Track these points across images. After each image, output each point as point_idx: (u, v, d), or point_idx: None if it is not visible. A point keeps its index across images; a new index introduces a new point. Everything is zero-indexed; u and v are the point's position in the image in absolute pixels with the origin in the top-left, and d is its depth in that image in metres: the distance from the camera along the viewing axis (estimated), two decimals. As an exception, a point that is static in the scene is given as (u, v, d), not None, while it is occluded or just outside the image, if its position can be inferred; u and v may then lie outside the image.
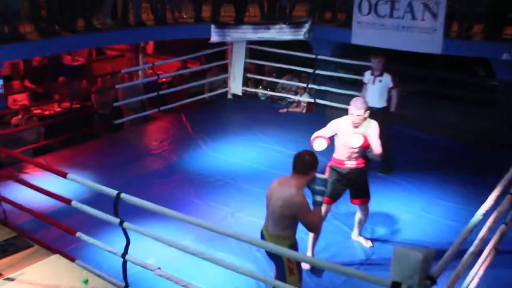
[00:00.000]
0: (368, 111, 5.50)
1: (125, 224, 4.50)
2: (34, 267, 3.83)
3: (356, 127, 5.46)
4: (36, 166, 6.62)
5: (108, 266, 5.03)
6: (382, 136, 7.35)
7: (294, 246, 4.37)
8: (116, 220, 4.53)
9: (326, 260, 4.58)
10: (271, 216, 4.34)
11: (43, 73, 12.55)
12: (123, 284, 4.56)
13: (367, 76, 7.49)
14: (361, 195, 5.80)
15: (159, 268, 4.45)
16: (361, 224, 6.01)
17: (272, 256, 4.38)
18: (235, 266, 4.11)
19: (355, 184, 5.73)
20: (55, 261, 3.95)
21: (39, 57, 12.09)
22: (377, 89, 7.35)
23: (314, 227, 4.50)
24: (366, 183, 5.82)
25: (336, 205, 5.98)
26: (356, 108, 5.36)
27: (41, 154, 8.33)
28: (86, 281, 3.32)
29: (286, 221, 4.25)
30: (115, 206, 4.50)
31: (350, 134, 5.43)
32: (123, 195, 4.42)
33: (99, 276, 4.01)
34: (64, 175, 5.01)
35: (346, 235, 6.17)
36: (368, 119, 5.54)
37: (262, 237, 4.49)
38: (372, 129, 5.52)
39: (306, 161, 4.23)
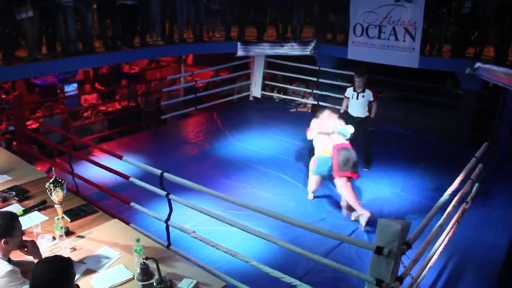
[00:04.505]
0: None
1: (170, 196, 4.52)
2: (98, 228, 3.83)
3: None
4: (100, 150, 6.67)
5: (154, 229, 5.07)
6: (364, 138, 7.26)
7: None
8: (163, 193, 4.54)
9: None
10: None
11: (107, 78, 12.61)
12: (166, 243, 4.59)
13: (350, 92, 7.14)
14: None
15: (194, 231, 4.46)
16: None
17: None
18: (253, 230, 4.07)
19: None
20: (114, 224, 3.94)
21: (105, 66, 12.16)
22: (360, 103, 7.05)
23: None
24: None
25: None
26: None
27: (105, 141, 8.38)
28: (138, 240, 3.31)
29: None
30: (161, 182, 4.51)
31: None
32: (165, 174, 4.43)
33: (147, 236, 4.00)
34: (120, 157, 5.05)
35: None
36: None
37: None
38: None
39: None
